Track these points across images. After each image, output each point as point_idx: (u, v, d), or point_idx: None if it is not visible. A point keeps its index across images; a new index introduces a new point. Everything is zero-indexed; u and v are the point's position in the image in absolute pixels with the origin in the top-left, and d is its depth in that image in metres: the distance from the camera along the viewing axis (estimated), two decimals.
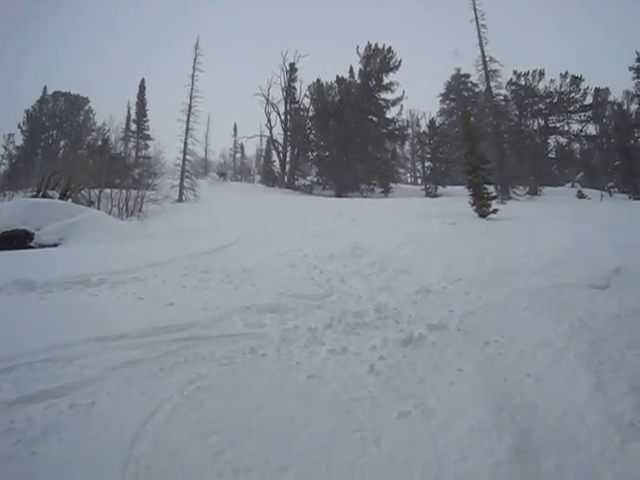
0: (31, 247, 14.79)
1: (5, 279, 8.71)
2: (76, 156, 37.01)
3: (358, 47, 51.90)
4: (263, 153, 62.02)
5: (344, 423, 4.22)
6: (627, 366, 5.21)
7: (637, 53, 40.94)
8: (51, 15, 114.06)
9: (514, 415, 4.29)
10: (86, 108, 61.76)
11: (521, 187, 37.23)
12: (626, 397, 4.49)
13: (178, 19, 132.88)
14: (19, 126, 59.90)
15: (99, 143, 44.05)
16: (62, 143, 59.51)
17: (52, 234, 15.43)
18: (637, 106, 46.01)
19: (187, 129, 39.77)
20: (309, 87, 53.23)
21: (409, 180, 66.19)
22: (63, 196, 23.65)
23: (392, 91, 51.27)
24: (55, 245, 15.02)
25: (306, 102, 54.05)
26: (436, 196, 39.25)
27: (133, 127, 57.34)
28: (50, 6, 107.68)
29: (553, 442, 3.90)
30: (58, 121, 61.29)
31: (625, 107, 50.96)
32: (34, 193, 24.17)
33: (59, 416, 4.19)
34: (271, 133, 54.69)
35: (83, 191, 27.63)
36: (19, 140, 59.47)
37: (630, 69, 42.35)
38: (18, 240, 14.91)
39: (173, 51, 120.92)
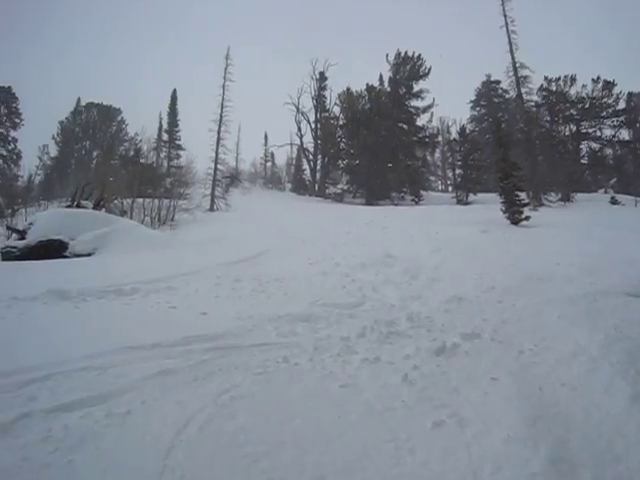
0: (66, 256, 15.01)
1: (40, 288, 8.84)
2: (109, 166, 37.49)
3: (388, 55, 52.01)
4: (294, 162, 62.29)
5: (378, 433, 4.19)
6: None
7: None
8: (85, 28, 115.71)
9: (550, 425, 4.22)
10: (118, 119, 62.78)
11: (553, 194, 36.82)
12: None
13: (209, 30, 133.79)
14: (53, 137, 61.11)
15: (131, 153, 44.65)
16: (95, 153, 60.35)
17: (86, 244, 15.64)
18: None
19: (218, 139, 40.13)
20: (339, 95, 53.47)
21: (440, 188, 65.95)
22: (97, 206, 23.88)
23: (422, 98, 51.31)
24: (89, 254, 15.23)
25: (336, 110, 54.33)
26: (467, 203, 39.07)
27: (165, 137, 57.99)
28: (84, 20, 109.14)
29: (590, 453, 3.83)
30: (91, 132, 62.34)
31: None
32: (68, 203, 24.43)
33: (95, 425, 4.21)
34: (301, 142, 55.06)
35: (116, 201, 27.94)
36: (53, 151, 60.63)
37: None
38: (53, 250, 15.16)
39: (205, 62, 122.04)
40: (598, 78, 45.02)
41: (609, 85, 44.76)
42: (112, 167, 36.90)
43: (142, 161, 38.95)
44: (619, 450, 3.86)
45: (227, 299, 9.04)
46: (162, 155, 56.33)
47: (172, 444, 3.95)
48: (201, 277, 10.66)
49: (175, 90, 58.94)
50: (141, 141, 44.13)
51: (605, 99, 45.12)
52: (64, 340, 6.37)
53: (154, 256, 13.95)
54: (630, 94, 47.48)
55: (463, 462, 3.77)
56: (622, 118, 45.77)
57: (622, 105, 45.95)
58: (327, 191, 50.60)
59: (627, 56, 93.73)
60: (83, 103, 63.06)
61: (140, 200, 28.75)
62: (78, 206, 22.54)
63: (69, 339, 6.44)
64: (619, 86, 44.98)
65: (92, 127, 62.53)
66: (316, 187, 51.69)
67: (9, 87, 57.31)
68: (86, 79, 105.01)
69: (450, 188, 57.58)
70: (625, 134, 47.80)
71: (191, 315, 7.83)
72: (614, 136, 46.64)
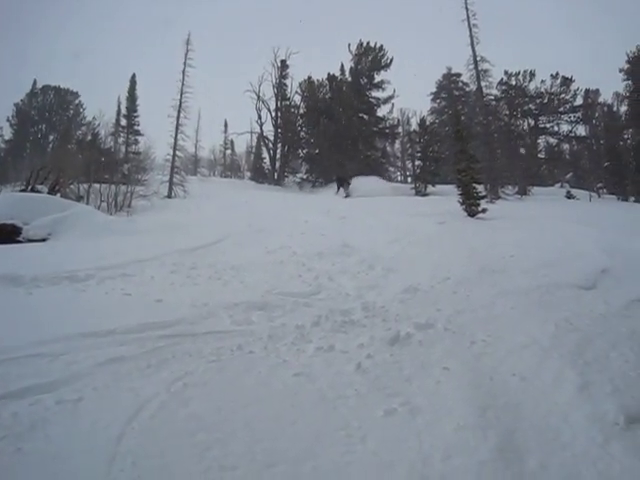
0: (19, 241, 14.72)
1: None
2: (65, 150, 36.81)
3: (350, 45, 51.84)
4: (253, 150, 61.95)
5: (330, 421, 4.24)
6: (612, 367, 5.26)
7: (627, 55, 41.06)
8: (43, 9, 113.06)
9: (499, 414, 4.32)
10: (76, 102, 61.41)
11: (510, 187, 37.32)
12: (610, 397, 4.54)
13: (170, 14, 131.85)
14: (8, 119, 59.60)
15: (89, 138, 43.84)
16: (51, 137, 59.09)
17: (40, 229, 15.36)
18: (626, 108, 46.13)
19: (177, 125, 39.64)
20: (300, 84, 53.17)
21: (399, 179, 66.06)
22: (52, 191, 23.55)
23: (383, 89, 51.34)
24: (43, 240, 14.96)
25: (297, 99, 54.05)
26: (426, 195, 39.18)
27: (123, 122, 56.97)
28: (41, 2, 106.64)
29: (537, 441, 3.93)
30: (47, 115, 60.93)
31: (615, 109, 51.26)
32: (23, 187, 24.03)
33: (45, 412, 4.19)
34: (262, 130, 54.63)
35: (72, 186, 27.44)
36: (8, 134, 59.19)
37: (620, 71, 42.47)
38: (5, 234, 14.82)
39: (164, 47, 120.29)
40: (557, 74, 45.71)
41: (567, 81, 45.48)
42: (69, 151, 36.19)
43: (100, 146, 38.38)
44: (565, 438, 3.98)
45: (183, 286, 9.01)
46: (120, 140, 55.41)
47: (124, 431, 3.95)
48: (157, 264, 10.58)
49: (134, 75, 57.80)
50: (99, 126, 43.43)
51: (563, 95, 45.86)
52: (15, 326, 6.30)
53: (110, 242, 13.76)
54: (587, 91, 48.30)
55: (414, 450, 3.83)
56: (579, 114, 46.58)
57: (579, 101, 46.76)
58: (286, 180, 50.51)
59: (585, 53, 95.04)
60: (40, 85, 61.83)
61: (97, 185, 28.27)
62: (33, 190, 22.22)
63: (21, 325, 6.37)
64: (577, 82, 45.76)
65: (48, 110, 61.16)
66: (275, 176, 51.48)
67: None
68: (42, 61, 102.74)
69: (409, 179, 57.79)
70: (582, 130, 48.65)
71: (146, 302, 7.79)
72: (571, 131, 47.43)
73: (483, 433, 4.01)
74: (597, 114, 50.16)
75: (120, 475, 3.43)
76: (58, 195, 23.01)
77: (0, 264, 9.82)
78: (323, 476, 3.53)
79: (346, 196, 37.06)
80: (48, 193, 22.08)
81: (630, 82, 41.05)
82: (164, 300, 7.89)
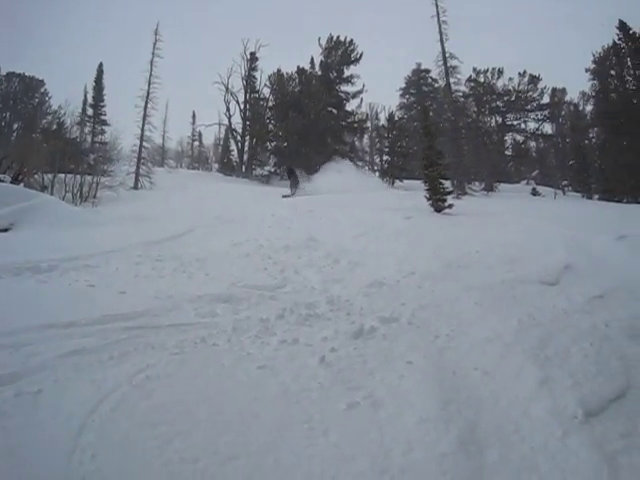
0: None
1: None
2: (30, 139, 36.30)
3: (320, 39, 51.83)
4: (221, 142, 61.92)
5: (293, 414, 4.27)
6: (572, 361, 5.37)
7: (592, 55, 41.53)
8: None
9: (461, 408, 4.38)
10: (42, 91, 60.40)
11: (477, 183, 37.71)
12: (570, 391, 4.63)
13: (139, 3, 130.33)
14: None
15: (54, 127, 43.34)
16: (15, 126, 58.21)
17: (2, 219, 15.10)
18: (592, 107, 46.76)
19: (144, 115, 39.36)
20: (269, 77, 53.05)
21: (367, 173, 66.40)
22: (15, 180, 23.22)
23: (352, 84, 51.49)
24: (5, 230, 14.72)
25: (266, 92, 53.92)
26: (393, 189, 39.40)
27: (90, 112, 56.43)
28: None
29: (497, 434, 4.00)
30: (12, 103, 59.92)
31: (581, 108, 52.05)
32: None
33: (3, 404, 4.14)
34: (230, 122, 54.41)
35: (36, 175, 27.07)
36: None
37: (586, 70, 42.90)
38: None
39: (133, 36, 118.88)
40: (524, 72, 46.45)
41: (535, 79, 46.20)
42: (33, 140, 35.68)
43: (65, 135, 37.93)
44: (525, 431, 4.06)
45: (147, 278, 8.94)
46: (86, 130, 54.90)
47: (84, 423, 3.92)
48: (122, 256, 10.48)
49: (101, 64, 57.25)
50: (64, 114, 42.95)
51: (530, 93, 46.65)
52: None
53: (74, 233, 13.61)
54: (554, 89, 49.09)
55: (375, 443, 3.87)
56: (546, 112, 47.31)
57: (546, 100, 47.41)
58: (254, 173, 50.38)
59: (552, 52, 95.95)
60: (3, 72, 60.84)
61: (62, 175, 27.90)
62: None
63: None
64: (544, 81, 46.42)
65: (13, 98, 60.18)
66: (243, 168, 51.36)
67: None
68: (7, 46, 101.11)
69: (377, 174, 58.00)
70: (548, 128, 49.33)
71: (110, 294, 7.72)
72: (537, 129, 48.15)
73: (445, 426, 4.07)
74: (563, 112, 51.05)
75: (79, 468, 3.41)
76: (22, 185, 22.66)
77: None
78: (285, 468, 3.56)
79: (291, 195, 32.68)
80: (11, 182, 21.75)
81: (596, 82, 41.51)
82: (128, 292, 7.83)
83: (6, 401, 4.19)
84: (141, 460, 3.55)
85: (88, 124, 55.57)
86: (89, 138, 52.73)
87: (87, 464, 3.45)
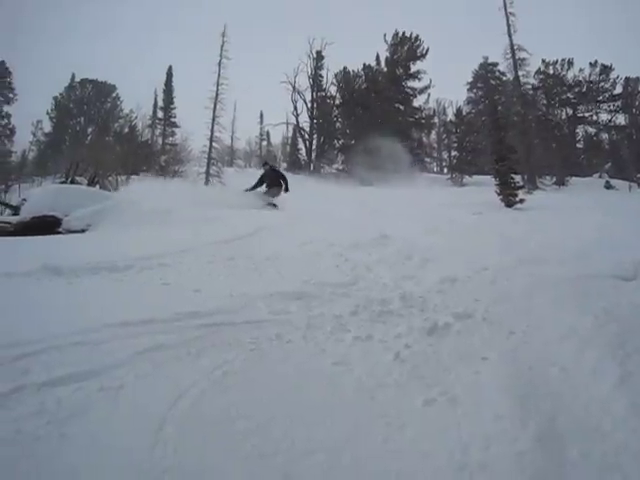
0: (59, 233, 14.97)
1: (34, 264, 8.79)
2: (103, 143, 37.38)
3: (385, 35, 51.93)
4: (289, 141, 62.31)
5: (369, 409, 4.23)
6: None
7: None
8: (81, 5, 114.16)
9: (538, 404, 4.26)
10: (113, 95, 62.31)
11: (548, 177, 36.99)
12: None
13: (206, 7, 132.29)
14: (47, 113, 60.59)
15: (126, 130, 44.56)
16: (89, 130, 60.06)
17: (80, 220, 15.58)
18: None
19: (214, 116, 40.18)
20: (335, 75, 53.38)
21: (435, 169, 65.78)
22: (91, 182, 23.87)
23: (419, 79, 51.55)
24: (83, 231, 15.17)
25: (333, 90, 54.24)
26: (462, 185, 39.00)
27: (160, 114, 57.72)
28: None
29: (577, 431, 3.86)
30: (86, 108, 61.91)
31: None
32: (62, 179, 24.40)
33: (88, 398, 4.24)
34: (297, 121, 55.00)
35: (110, 178, 27.81)
36: (47, 127, 60.23)
37: None
38: (46, 226, 15.08)
39: (201, 39, 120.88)
40: (595, 62, 45.23)
41: (606, 69, 45.02)
42: (107, 144, 36.72)
43: (137, 138, 38.88)
44: (606, 428, 3.90)
45: (220, 277, 9.03)
46: (157, 132, 56.23)
47: (165, 418, 3.97)
48: (194, 255, 10.63)
49: (171, 67, 58.81)
50: (136, 118, 44.18)
51: (602, 83, 45.51)
52: (57, 315, 6.36)
53: (148, 233, 13.89)
54: (627, 79, 47.61)
55: (453, 439, 3.80)
56: (619, 103, 46.06)
57: (619, 90, 46.10)
58: (322, 171, 50.63)
59: (626, 41, 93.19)
60: (78, 79, 62.55)
61: (135, 177, 28.63)
62: (72, 182, 22.53)
63: (62, 314, 6.42)
64: (616, 71, 45.16)
65: (86, 103, 62.02)
66: (311, 167, 51.74)
67: (2, 61, 56.80)
68: (81, 54, 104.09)
69: (445, 170, 57.45)
70: (621, 119, 48.00)
71: (185, 292, 7.81)
72: (610, 121, 46.94)
73: (522, 423, 3.96)
74: (637, 103, 49.35)
75: (161, 461, 3.45)
76: (97, 187, 23.30)
77: (42, 255, 9.91)
78: (362, 463, 3.52)
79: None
80: (87, 185, 22.39)
81: None
82: (202, 290, 7.90)
83: (90, 395, 4.28)
84: (221, 455, 3.57)
85: (159, 126, 57.09)
86: (160, 140, 53.98)
87: (169, 458, 3.49)
